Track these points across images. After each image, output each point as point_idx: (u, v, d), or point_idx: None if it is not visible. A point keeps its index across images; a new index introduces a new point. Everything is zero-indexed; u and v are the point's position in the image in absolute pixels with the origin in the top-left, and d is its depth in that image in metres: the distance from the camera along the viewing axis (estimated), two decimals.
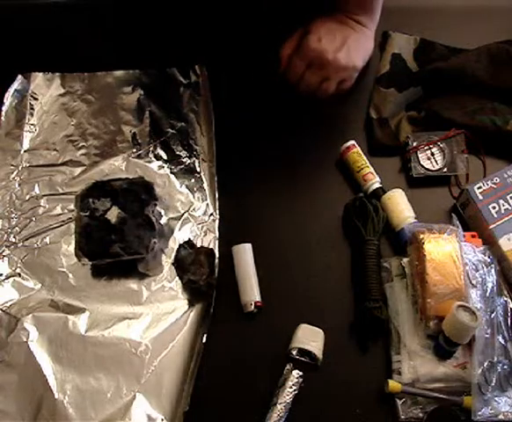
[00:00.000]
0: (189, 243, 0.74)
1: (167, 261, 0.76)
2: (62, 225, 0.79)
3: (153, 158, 0.84)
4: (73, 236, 0.75)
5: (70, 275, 0.76)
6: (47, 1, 0.99)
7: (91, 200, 0.77)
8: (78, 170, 0.83)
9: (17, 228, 0.79)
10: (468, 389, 0.64)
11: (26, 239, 0.78)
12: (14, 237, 0.79)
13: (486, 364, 0.65)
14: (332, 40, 0.81)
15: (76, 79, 0.91)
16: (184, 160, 0.84)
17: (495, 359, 0.66)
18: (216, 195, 0.81)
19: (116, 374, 0.69)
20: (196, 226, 0.79)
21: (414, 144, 0.81)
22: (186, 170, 0.83)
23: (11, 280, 0.76)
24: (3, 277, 0.76)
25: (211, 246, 0.76)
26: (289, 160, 0.84)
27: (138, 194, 0.77)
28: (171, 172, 0.83)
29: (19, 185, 0.83)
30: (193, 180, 0.82)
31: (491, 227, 0.73)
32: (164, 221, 0.79)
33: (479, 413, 0.63)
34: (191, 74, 0.90)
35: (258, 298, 0.73)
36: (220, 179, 0.82)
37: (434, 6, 0.97)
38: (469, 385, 0.64)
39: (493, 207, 0.74)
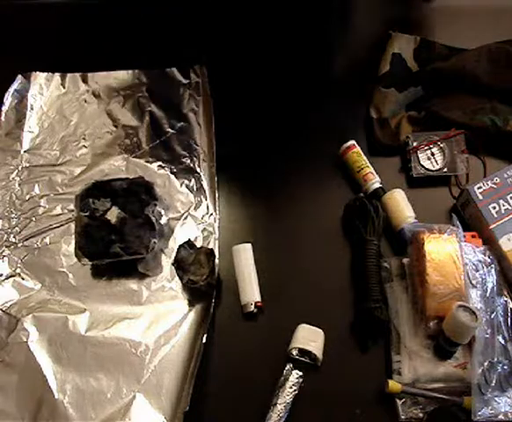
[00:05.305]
0: (189, 243, 0.74)
1: (167, 261, 0.76)
2: (62, 225, 0.79)
3: (153, 158, 0.84)
4: (73, 236, 0.75)
5: (70, 275, 0.76)
6: (47, 1, 0.99)
7: (91, 200, 0.77)
8: (78, 170, 0.84)
9: (17, 228, 0.79)
10: (468, 389, 0.64)
11: (26, 239, 0.79)
12: (14, 237, 0.79)
13: (486, 364, 0.65)
14: None
15: (76, 79, 0.91)
16: (184, 160, 0.84)
17: (495, 359, 0.66)
18: (216, 195, 0.81)
19: (116, 374, 0.69)
20: (196, 226, 0.79)
21: (414, 144, 0.81)
22: (186, 170, 0.83)
23: (11, 280, 0.76)
24: (3, 277, 0.76)
25: (211, 246, 0.76)
26: (289, 160, 0.84)
27: (138, 194, 0.77)
28: (171, 172, 0.83)
29: (19, 185, 0.83)
30: (193, 180, 0.82)
31: (491, 227, 0.73)
32: (164, 221, 0.79)
33: (479, 413, 0.63)
34: (191, 74, 0.91)
35: (258, 298, 0.73)
36: (220, 179, 0.82)
37: (434, 6, 0.97)
38: (469, 385, 0.64)
39: (494, 207, 0.74)
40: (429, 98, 0.85)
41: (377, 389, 0.67)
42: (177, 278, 0.74)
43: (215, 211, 0.79)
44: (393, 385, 0.65)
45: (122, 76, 0.91)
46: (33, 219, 0.80)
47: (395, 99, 0.86)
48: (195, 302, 0.74)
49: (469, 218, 0.77)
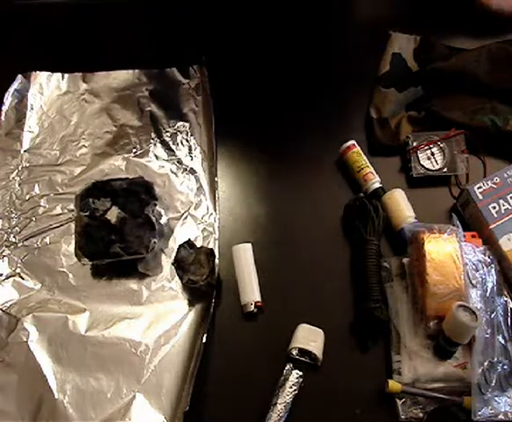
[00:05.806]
0: (189, 243, 0.74)
1: (167, 261, 0.76)
2: (62, 225, 0.79)
3: (153, 158, 0.84)
4: (73, 236, 0.75)
5: (70, 275, 0.76)
6: (47, 1, 0.99)
7: (91, 200, 0.77)
8: (78, 170, 0.84)
9: (17, 228, 0.79)
10: (468, 389, 0.64)
11: (26, 239, 0.79)
12: (14, 237, 0.79)
13: (486, 364, 0.65)
14: None
15: (76, 79, 0.91)
16: (184, 160, 0.84)
17: (495, 359, 0.66)
18: (216, 195, 0.81)
19: (116, 374, 0.69)
20: (196, 226, 0.79)
21: (414, 144, 0.81)
22: (186, 170, 0.83)
23: (11, 280, 0.76)
24: (3, 277, 0.76)
25: (211, 246, 0.76)
26: (290, 160, 0.84)
27: (138, 194, 0.77)
28: (172, 172, 0.83)
29: (19, 185, 0.83)
30: (193, 180, 0.82)
31: (491, 227, 0.73)
32: (164, 221, 0.79)
33: (479, 413, 0.63)
34: (191, 74, 0.91)
35: (258, 298, 0.73)
36: (220, 179, 0.82)
37: (434, 6, 0.97)
38: (469, 385, 0.64)
39: (494, 207, 0.74)
40: (429, 98, 0.85)
41: (377, 389, 0.67)
42: (177, 278, 0.74)
43: (215, 211, 0.79)
44: (393, 385, 0.65)
45: (122, 76, 0.91)
46: (33, 219, 0.80)
47: (395, 99, 0.86)
48: (195, 302, 0.74)
49: (469, 218, 0.77)
